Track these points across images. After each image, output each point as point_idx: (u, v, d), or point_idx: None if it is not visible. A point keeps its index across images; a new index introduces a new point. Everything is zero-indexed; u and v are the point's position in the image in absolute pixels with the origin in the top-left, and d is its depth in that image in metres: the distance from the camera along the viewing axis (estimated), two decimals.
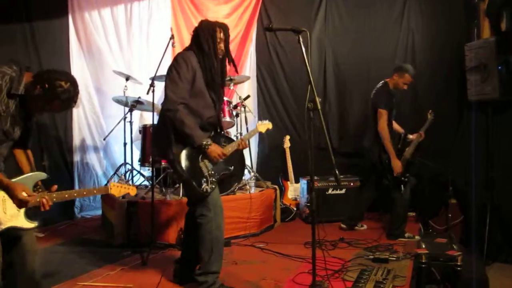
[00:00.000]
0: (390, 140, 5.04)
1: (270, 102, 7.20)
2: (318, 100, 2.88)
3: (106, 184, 5.92)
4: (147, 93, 4.68)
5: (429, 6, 6.60)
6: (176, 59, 3.36)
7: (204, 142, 3.28)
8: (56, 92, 2.48)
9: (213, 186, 3.37)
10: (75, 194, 2.72)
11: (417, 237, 4.99)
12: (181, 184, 5.06)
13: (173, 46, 4.89)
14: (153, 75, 4.71)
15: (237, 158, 3.69)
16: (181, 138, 3.27)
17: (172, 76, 3.29)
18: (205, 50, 3.35)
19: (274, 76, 7.17)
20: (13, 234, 2.58)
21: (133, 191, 2.98)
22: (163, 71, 5.64)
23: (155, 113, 4.74)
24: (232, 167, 3.59)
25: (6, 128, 2.53)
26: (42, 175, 2.66)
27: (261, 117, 6.92)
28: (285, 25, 2.98)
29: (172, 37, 4.81)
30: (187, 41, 6.93)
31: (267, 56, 7.08)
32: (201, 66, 3.34)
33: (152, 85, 4.65)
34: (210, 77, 3.35)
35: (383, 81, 5.29)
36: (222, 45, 3.46)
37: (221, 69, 3.49)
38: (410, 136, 5.35)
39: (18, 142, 2.72)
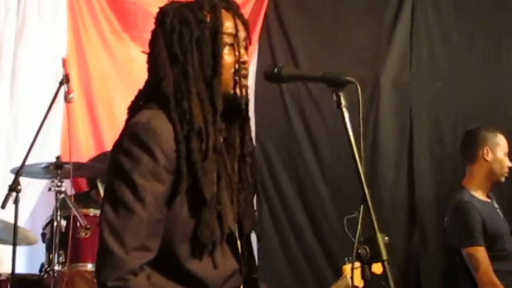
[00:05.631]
0: None
1: (281, 213, 3.94)
2: (382, 241, 1.11)
3: None
4: (2, 206, 2.50)
5: None
6: (121, 150, 1.16)
7: None
8: None
9: None
10: None
11: None
12: None
13: (68, 101, 2.40)
14: (17, 166, 2.58)
15: None
16: None
17: (116, 200, 1.12)
18: (192, 88, 1.18)
19: (294, 154, 3.89)
20: None
21: None
22: (39, 157, 2.83)
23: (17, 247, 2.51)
24: None
25: None
26: None
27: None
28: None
29: (66, 80, 2.38)
30: (97, 89, 3.56)
31: (280, 117, 3.95)
32: (186, 141, 1.15)
33: (14, 188, 2.48)
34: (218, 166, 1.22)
35: (457, 193, 3.08)
36: (245, 57, 1.28)
37: (244, 133, 1.35)
38: None
39: None
